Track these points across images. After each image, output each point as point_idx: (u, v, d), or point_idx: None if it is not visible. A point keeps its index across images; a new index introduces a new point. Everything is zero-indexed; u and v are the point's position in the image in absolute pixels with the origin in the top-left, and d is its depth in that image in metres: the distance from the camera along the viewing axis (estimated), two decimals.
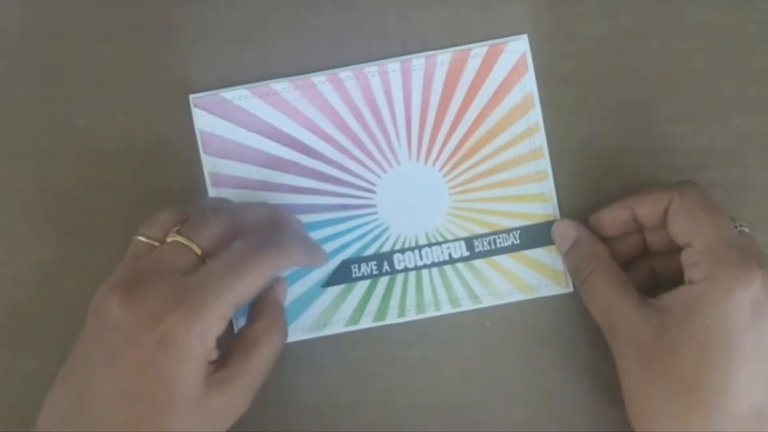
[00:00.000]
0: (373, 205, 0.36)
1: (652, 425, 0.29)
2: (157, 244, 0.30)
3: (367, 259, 0.36)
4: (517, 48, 0.35)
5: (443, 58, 0.36)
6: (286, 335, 0.32)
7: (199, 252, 0.29)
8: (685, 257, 0.30)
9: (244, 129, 0.36)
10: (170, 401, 0.27)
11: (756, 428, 0.27)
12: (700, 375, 0.28)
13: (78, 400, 0.27)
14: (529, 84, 0.35)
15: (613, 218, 0.33)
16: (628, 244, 0.34)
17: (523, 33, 0.36)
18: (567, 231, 0.34)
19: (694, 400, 0.28)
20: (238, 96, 0.36)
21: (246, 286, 0.29)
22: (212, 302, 0.28)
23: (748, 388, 0.28)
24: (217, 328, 0.28)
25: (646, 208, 0.32)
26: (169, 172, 0.36)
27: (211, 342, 0.28)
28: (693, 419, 0.28)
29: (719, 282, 0.28)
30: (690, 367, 0.28)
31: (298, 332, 0.35)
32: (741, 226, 0.31)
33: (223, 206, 0.32)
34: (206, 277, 0.28)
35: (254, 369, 0.30)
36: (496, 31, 0.36)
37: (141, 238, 0.30)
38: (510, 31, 0.36)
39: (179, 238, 0.29)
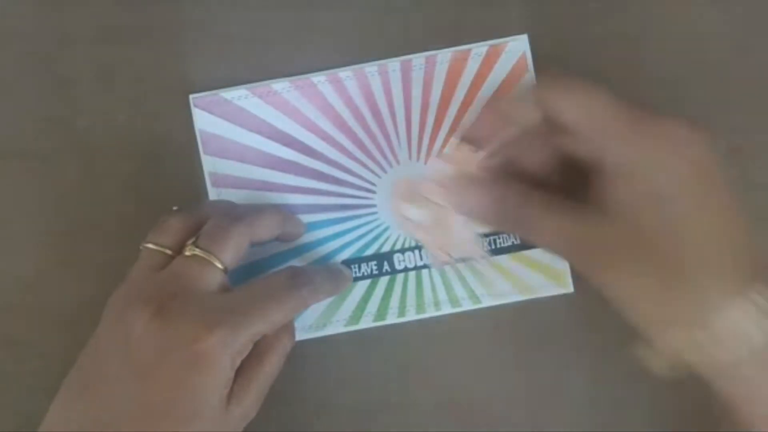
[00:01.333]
0: (373, 205, 0.36)
1: (654, 327, 0.27)
2: (169, 252, 0.30)
3: (367, 259, 0.36)
4: (517, 48, 0.35)
5: (443, 57, 0.36)
6: (294, 336, 0.32)
7: (221, 267, 0.29)
8: (587, 146, 0.27)
9: (244, 129, 0.36)
10: (195, 418, 0.27)
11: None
12: (699, 251, 0.26)
13: (98, 412, 0.27)
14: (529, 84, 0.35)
15: (485, 122, 0.30)
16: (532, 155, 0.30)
17: (523, 33, 0.36)
18: (480, 199, 0.30)
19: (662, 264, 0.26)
20: (238, 96, 0.36)
21: (278, 319, 0.29)
22: (247, 327, 0.28)
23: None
24: (246, 351, 0.29)
25: (521, 115, 0.29)
26: (169, 172, 0.36)
27: (238, 363, 0.28)
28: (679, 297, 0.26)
29: (656, 154, 0.26)
30: (683, 248, 0.26)
31: (298, 332, 0.35)
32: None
33: (232, 212, 0.32)
34: (242, 301, 0.29)
35: (268, 374, 0.30)
36: (496, 31, 0.36)
37: (152, 246, 0.30)
38: (510, 31, 0.36)
39: (199, 252, 0.29)
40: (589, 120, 0.27)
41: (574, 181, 0.29)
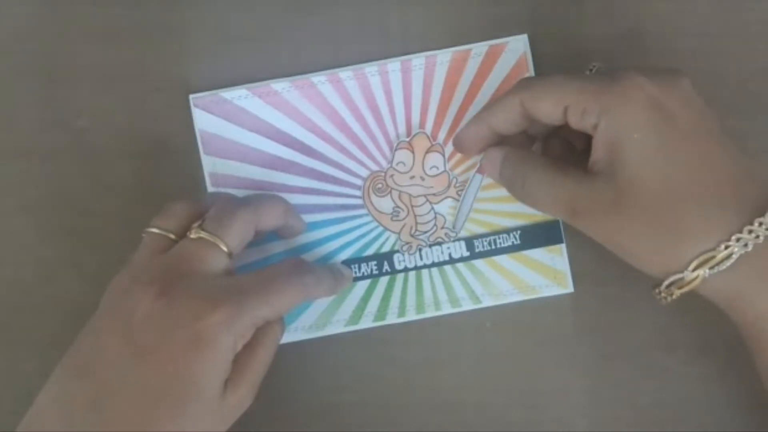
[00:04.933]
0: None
1: (653, 269, 0.28)
2: (173, 236, 0.30)
3: (367, 259, 0.36)
4: (517, 48, 0.35)
5: (443, 57, 0.36)
6: (284, 325, 0.32)
7: (226, 249, 0.29)
8: (573, 116, 0.29)
9: (244, 129, 0.36)
10: (192, 400, 0.27)
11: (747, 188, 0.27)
12: (670, 189, 0.27)
13: (94, 394, 0.27)
14: None
15: (472, 136, 0.33)
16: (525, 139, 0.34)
17: (523, 33, 0.36)
18: (493, 154, 0.33)
19: (668, 221, 0.27)
20: (238, 96, 0.36)
21: (281, 305, 0.29)
22: (252, 309, 0.28)
23: (714, 168, 0.27)
24: (248, 336, 0.29)
25: (499, 118, 0.31)
26: (169, 172, 0.36)
27: (240, 347, 0.28)
28: (675, 247, 0.27)
29: (612, 107, 0.27)
30: (655, 190, 0.27)
31: (298, 332, 0.35)
32: (592, 68, 0.32)
33: (237, 200, 0.32)
34: (247, 283, 0.29)
35: (262, 362, 0.30)
36: (496, 31, 0.36)
37: (155, 230, 0.30)
38: (510, 31, 0.36)
39: (204, 235, 0.29)
40: (564, 114, 0.29)
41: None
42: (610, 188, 0.28)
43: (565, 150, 0.34)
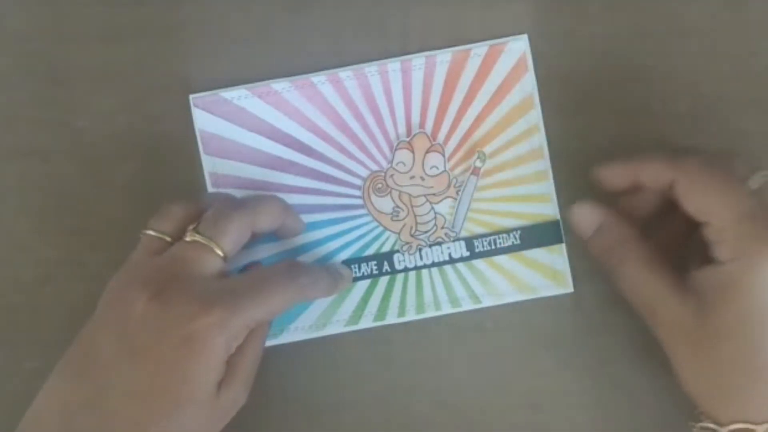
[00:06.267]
0: None
1: (713, 409, 0.28)
2: (168, 238, 0.30)
3: (367, 259, 0.36)
4: (517, 48, 0.35)
5: (443, 57, 0.36)
6: (270, 322, 0.32)
7: (221, 254, 0.29)
8: (707, 235, 0.28)
9: (244, 129, 0.36)
10: (186, 400, 0.27)
11: None
12: (749, 358, 0.26)
13: (90, 394, 0.27)
14: (529, 84, 0.35)
15: (613, 179, 0.31)
16: (647, 200, 0.31)
17: (523, 33, 0.36)
18: (589, 216, 0.31)
19: (749, 385, 0.27)
20: (238, 96, 0.36)
21: (275, 307, 0.29)
22: (245, 311, 0.28)
23: None
24: (241, 338, 0.29)
25: (649, 177, 0.30)
26: (169, 172, 0.36)
27: (234, 349, 0.28)
28: (753, 404, 0.27)
29: (747, 261, 0.26)
30: (738, 351, 0.26)
31: (298, 332, 0.35)
32: (759, 176, 0.29)
33: (234, 200, 0.32)
34: (241, 285, 0.29)
35: (253, 361, 0.30)
36: (496, 31, 0.36)
37: (151, 232, 0.30)
38: (510, 31, 0.36)
39: (199, 238, 0.29)
40: (718, 221, 0.28)
41: (676, 234, 0.31)
42: (700, 320, 0.27)
43: (669, 239, 0.32)
